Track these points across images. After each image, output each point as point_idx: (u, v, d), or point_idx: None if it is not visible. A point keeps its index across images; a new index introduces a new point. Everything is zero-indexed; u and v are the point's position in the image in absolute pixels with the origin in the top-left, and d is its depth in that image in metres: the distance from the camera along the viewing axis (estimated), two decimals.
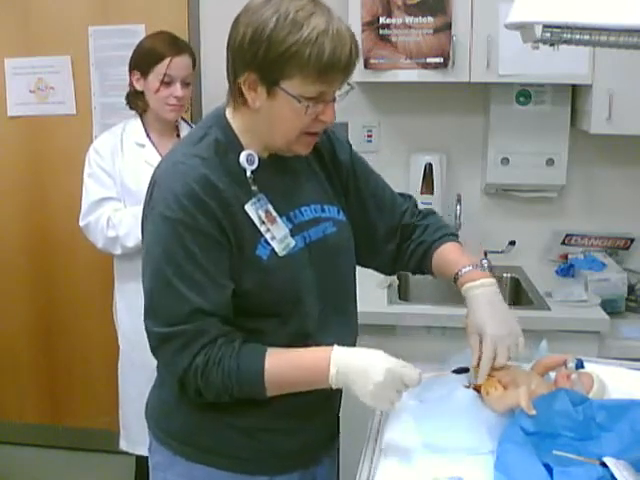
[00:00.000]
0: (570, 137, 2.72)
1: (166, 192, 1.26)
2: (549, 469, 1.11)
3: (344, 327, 1.44)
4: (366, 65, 2.51)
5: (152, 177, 1.33)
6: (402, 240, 1.56)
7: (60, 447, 3.19)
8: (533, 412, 1.19)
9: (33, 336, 3.18)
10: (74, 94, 2.94)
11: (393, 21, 2.46)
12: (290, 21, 1.19)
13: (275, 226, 1.31)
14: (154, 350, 1.30)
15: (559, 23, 1.17)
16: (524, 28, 1.25)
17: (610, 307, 2.44)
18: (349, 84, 1.29)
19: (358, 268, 1.52)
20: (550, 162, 2.72)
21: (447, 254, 1.50)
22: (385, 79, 2.54)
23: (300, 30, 1.19)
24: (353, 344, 1.43)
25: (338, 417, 1.55)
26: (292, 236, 1.33)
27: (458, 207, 2.73)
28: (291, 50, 1.18)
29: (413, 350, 1.54)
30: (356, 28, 2.48)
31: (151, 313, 1.28)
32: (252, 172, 1.31)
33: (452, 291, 2.78)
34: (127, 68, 2.31)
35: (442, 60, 2.46)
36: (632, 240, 2.80)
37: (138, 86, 2.29)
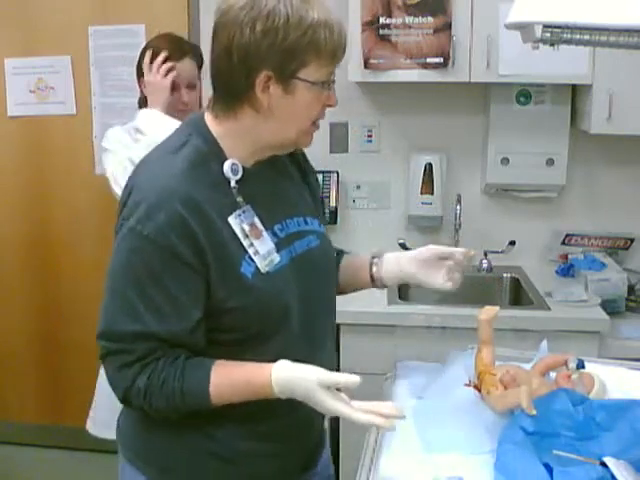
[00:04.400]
0: (570, 137, 2.72)
1: (140, 203, 1.18)
2: (549, 469, 1.11)
3: (327, 341, 1.41)
4: (366, 65, 2.51)
5: (127, 183, 1.26)
6: None
7: (60, 447, 3.19)
8: (534, 412, 1.19)
9: (33, 336, 3.18)
10: (74, 94, 2.94)
11: (393, 21, 2.46)
12: (297, 7, 1.17)
13: (260, 241, 1.25)
14: (101, 359, 1.26)
15: (559, 23, 1.17)
16: (524, 28, 1.25)
17: (610, 307, 2.44)
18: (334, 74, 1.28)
19: None
20: (550, 162, 2.72)
21: (351, 260, 1.52)
22: (385, 79, 2.53)
23: (308, 13, 1.17)
24: (335, 358, 1.43)
25: (321, 436, 1.50)
26: (277, 251, 1.27)
27: (458, 207, 2.73)
28: (309, 32, 1.17)
29: (413, 350, 1.54)
30: (356, 28, 2.49)
31: (101, 323, 1.24)
32: (236, 182, 1.25)
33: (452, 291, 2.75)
34: (135, 74, 2.30)
35: (442, 60, 2.46)
36: (632, 240, 2.80)
37: (147, 92, 2.28)
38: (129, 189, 1.23)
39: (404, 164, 2.84)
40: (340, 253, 1.54)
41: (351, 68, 2.53)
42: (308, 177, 1.46)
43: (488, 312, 1.40)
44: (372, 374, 1.36)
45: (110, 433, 2.57)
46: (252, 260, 1.23)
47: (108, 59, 2.87)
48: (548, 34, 1.19)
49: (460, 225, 2.74)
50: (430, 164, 2.78)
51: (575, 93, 2.68)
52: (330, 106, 1.28)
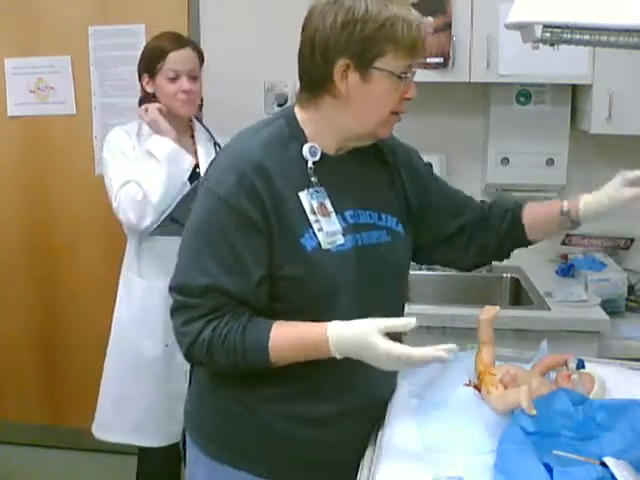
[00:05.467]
0: (570, 137, 2.72)
1: (219, 169, 1.31)
2: (549, 469, 1.11)
3: None
4: None
5: (216, 153, 1.40)
6: (478, 227, 1.55)
7: (60, 447, 3.19)
8: (534, 412, 1.19)
9: (33, 336, 3.18)
10: (74, 94, 2.94)
11: None
12: (376, 1, 1.24)
13: (326, 220, 1.30)
14: (171, 314, 1.32)
15: (559, 23, 1.17)
16: (524, 28, 1.25)
17: (610, 307, 2.44)
18: (414, 68, 1.32)
19: None
20: (550, 162, 2.72)
21: (535, 209, 1.55)
22: None
23: (387, 7, 1.24)
24: None
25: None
26: (343, 235, 1.32)
27: None
28: (386, 25, 1.23)
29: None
30: None
31: (175, 277, 1.31)
32: (314, 164, 1.32)
33: (452, 291, 2.78)
34: (136, 74, 2.30)
35: (442, 60, 2.46)
36: (632, 240, 2.80)
37: (149, 88, 2.28)
38: (214, 158, 1.40)
39: None
40: (515, 207, 1.55)
41: None
42: (399, 175, 1.48)
43: (488, 312, 1.40)
44: None
45: (114, 436, 2.57)
46: (315, 236, 1.29)
47: (108, 59, 2.87)
48: (548, 34, 1.19)
49: None
50: (430, 164, 2.77)
51: (575, 93, 2.68)
52: (408, 99, 1.32)
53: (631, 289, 2.60)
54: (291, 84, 2.83)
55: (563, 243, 2.84)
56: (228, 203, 1.25)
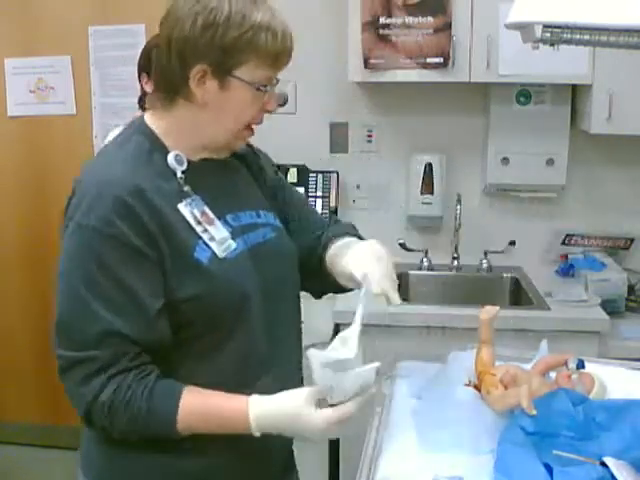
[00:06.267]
0: (570, 137, 2.72)
1: (82, 198, 1.15)
2: (549, 469, 1.11)
3: (291, 337, 1.36)
4: (366, 65, 2.51)
5: (73, 182, 1.22)
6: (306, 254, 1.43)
7: (60, 447, 3.18)
8: (534, 412, 1.19)
9: (33, 336, 3.17)
10: (74, 94, 2.95)
11: (393, 21, 2.47)
12: (242, 6, 1.17)
13: (213, 227, 1.21)
14: (60, 376, 1.17)
15: (559, 23, 1.17)
16: (524, 28, 1.25)
17: (610, 307, 2.44)
18: (277, 79, 1.27)
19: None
20: (550, 162, 2.72)
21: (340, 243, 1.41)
22: (385, 79, 2.54)
23: (253, 14, 1.17)
24: (300, 355, 1.36)
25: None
26: (232, 239, 1.23)
27: (458, 207, 2.73)
28: (249, 34, 1.16)
29: (413, 350, 1.54)
30: (356, 28, 2.49)
31: (60, 333, 1.16)
32: (182, 172, 1.22)
33: (452, 291, 2.79)
34: (136, 74, 2.30)
35: (442, 60, 2.46)
36: (632, 240, 2.80)
37: (148, 88, 2.28)
38: (74, 187, 1.20)
39: (404, 164, 2.84)
40: (325, 244, 1.42)
41: (351, 68, 2.53)
42: (258, 171, 1.42)
43: (488, 312, 1.40)
44: None
45: None
46: (207, 246, 1.20)
47: (108, 59, 2.87)
48: (548, 34, 1.18)
49: (460, 225, 2.75)
50: (430, 164, 2.78)
51: (575, 93, 2.68)
52: (268, 111, 1.26)
53: (631, 289, 2.60)
54: (291, 84, 2.83)
55: (563, 243, 2.84)
56: (104, 233, 1.12)
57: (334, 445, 2.54)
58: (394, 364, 1.58)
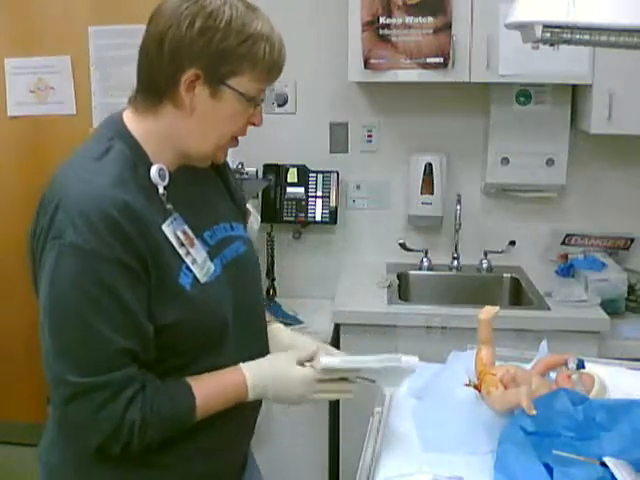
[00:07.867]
0: (570, 137, 2.72)
1: (75, 217, 1.07)
2: (549, 469, 1.11)
3: (260, 343, 1.36)
4: (366, 65, 2.51)
5: (49, 195, 1.14)
6: None
7: None
8: (534, 412, 1.19)
9: (33, 336, 3.16)
10: (74, 94, 2.94)
11: (393, 21, 2.46)
12: (243, 12, 1.12)
13: (194, 249, 1.18)
14: (66, 403, 1.10)
15: (559, 23, 1.17)
16: (524, 28, 1.25)
17: (610, 307, 2.44)
18: (265, 94, 1.23)
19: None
20: (550, 162, 2.72)
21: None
22: (385, 79, 2.53)
23: (253, 22, 1.12)
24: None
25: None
26: (210, 260, 1.21)
27: (458, 207, 2.73)
28: (248, 42, 1.11)
29: (413, 350, 1.53)
30: (356, 28, 2.49)
31: (67, 360, 1.09)
32: (164, 188, 1.17)
33: (452, 291, 2.79)
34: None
35: (442, 60, 2.46)
36: (632, 240, 2.80)
37: None
38: (55, 202, 1.11)
39: (404, 164, 2.84)
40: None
41: (351, 68, 2.53)
42: (228, 181, 1.40)
43: (488, 312, 1.40)
44: None
45: None
46: (189, 271, 1.16)
47: (108, 59, 2.87)
48: (548, 34, 1.18)
49: (460, 225, 2.75)
50: (430, 164, 2.78)
51: (575, 93, 2.68)
52: (254, 124, 1.22)
53: (631, 289, 2.60)
54: (291, 84, 2.83)
55: (563, 243, 2.84)
56: (102, 255, 1.06)
57: (334, 445, 2.54)
58: None
